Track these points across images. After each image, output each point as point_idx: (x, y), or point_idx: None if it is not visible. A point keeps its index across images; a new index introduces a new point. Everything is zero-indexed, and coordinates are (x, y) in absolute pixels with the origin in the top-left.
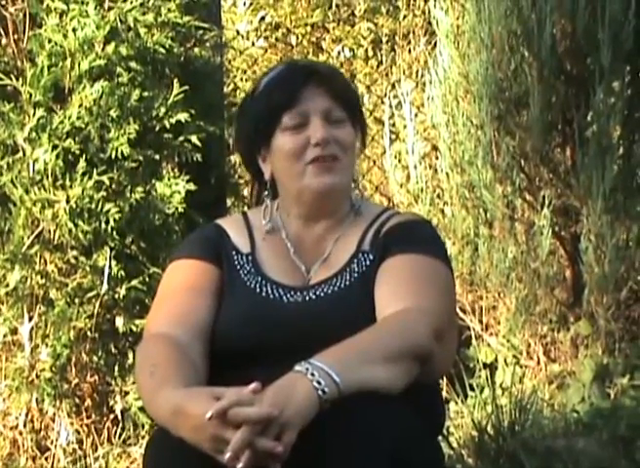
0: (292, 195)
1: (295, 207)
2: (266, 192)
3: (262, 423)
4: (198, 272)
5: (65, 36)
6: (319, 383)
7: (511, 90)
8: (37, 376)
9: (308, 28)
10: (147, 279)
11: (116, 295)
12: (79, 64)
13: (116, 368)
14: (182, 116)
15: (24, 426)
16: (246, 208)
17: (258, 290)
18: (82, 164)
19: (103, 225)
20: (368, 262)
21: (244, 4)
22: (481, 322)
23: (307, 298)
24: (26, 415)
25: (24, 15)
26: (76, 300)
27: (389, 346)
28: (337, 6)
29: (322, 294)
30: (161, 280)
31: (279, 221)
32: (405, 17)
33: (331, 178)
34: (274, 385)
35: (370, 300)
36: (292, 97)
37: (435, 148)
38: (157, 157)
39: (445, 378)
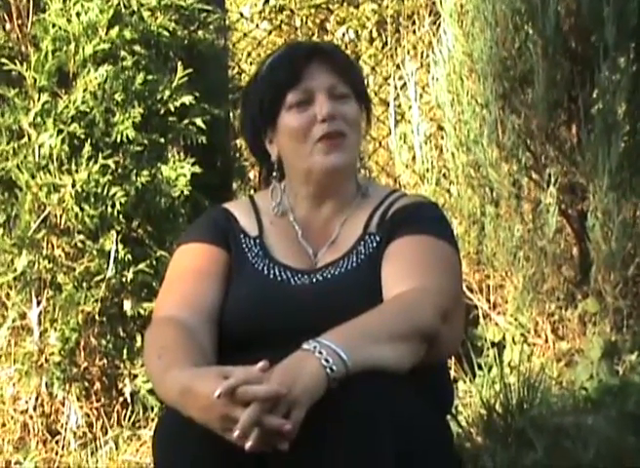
0: (300, 174)
1: (303, 187)
2: (274, 174)
3: (271, 401)
4: (206, 256)
5: (69, 21)
6: (327, 361)
7: (516, 68)
8: (46, 360)
9: (312, 10)
10: (154, 262)
11: (123, 279)
12: (83, 49)
13: (125, 351)
14: (187, 99)
15: (34, 410)
16: (252, 191)
17: (265, 272)
18: (87, 148)
19: (110, 209)
20: (375, 244)
21: None
22: (488, 301)
23: (315, 280)
24: (36, 399)
25: (28, 0)
26: (84, 284)
27: (396, 326)
28: None
29: (329, 276)
30: (169, 263)
31: (287, 204)
32: None
33: (339, 156)
34: (282, 363)
35: (377, 281)
36: (295, 76)
37: (440, 128)
38: (162, 140)
39: (453, 358)
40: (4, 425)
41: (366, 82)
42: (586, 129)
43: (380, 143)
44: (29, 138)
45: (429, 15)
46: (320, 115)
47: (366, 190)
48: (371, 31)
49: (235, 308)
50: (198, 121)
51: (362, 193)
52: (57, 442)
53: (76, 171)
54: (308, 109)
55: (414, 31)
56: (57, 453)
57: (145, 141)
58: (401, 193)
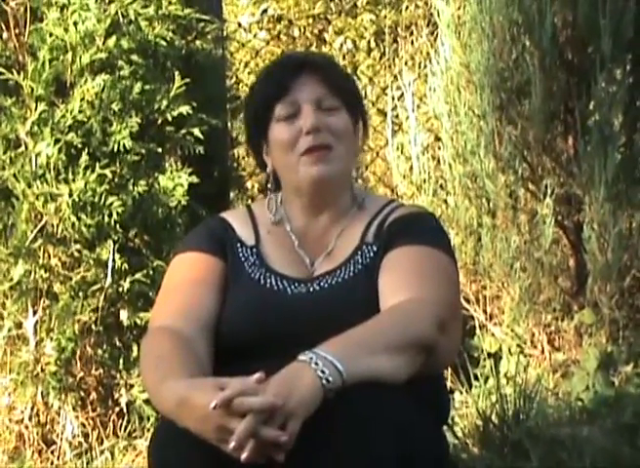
0: (291, 186)
1: (296, 198)
2: (270, 185)
3: (267, 413)
4: (203, 265)
5: (67, 30)
6: (323, 372)
7: (513, 79)
8: (42, 370)
9: (310, 20)
10: (151, 272)
11: (120, 289)
12: (80, 58)
13: (121, 361)
14: (184, 109)
15: (30, 420)
16: (249, 200)
17: (262, 281)
18: (84, 157)
19: (106, 219)
20: (372, 254)
21: None
22: (485, 311)
23: (311, 290)
24: (32, 409)
25: (25, 9)
26: (80, 294)
27: (393, 336)
28: None
29: (326, 286)
30: (165, 273)
31: (283, 214)
32: (407, 8)
33: (324, 168)
34: (278, 375)
35: (374, 291)
36: (283, 88)
37: (438, 139)
38: (159, 150)
39: (449, 368)
40: None
41: (363, 92)
42: (583, 140)
43: (378, 154)
44: (26, 148)
45: (427, 26)
46: (305, 127)
47: (362, 201)
48: (369, 42)
49: (231, 318)
50: (195, 131)
51: (358, 204)
52: (52, 452)
53: (73, 180)
54: (296, 121)
55: (411, 42)
56: (52, 463)
57: (143, 151)
58: (398, 203)
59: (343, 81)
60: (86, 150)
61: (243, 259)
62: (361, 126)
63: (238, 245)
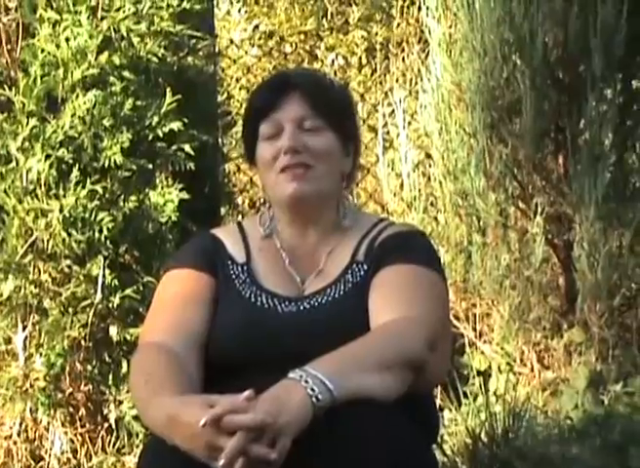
0: (274, 202)
1: (282, 214)
2: (263, 200)
3: (256, 430)
4: (193, 282)
5: (58, 46)
6: (313, 390)
7: (504, 98)
8: (31, 386)
9: (302, 36)
10: (141, 288)
11: (110, 304)
12: (72, 74)
13: (110, 377)
14: (176, 125)
15: (19, 435)
16: (240, 216)
17: (253, 299)
18: (75, 173)
19: (97, 234)
20: (362, 273)
21: (238, 12)
22: (475, 329)
23: (302, 308)
24: (20, 425)
25: (17, 25)
26: (70, 309)
27: (383, 354)
28: (331, 14)
29: (316, 304)
30: (155, 289)
31: (273, 230)
32: (399, 25)
33: (300, 185)
34: (268, 392)
35: (364, 310)
36: (267, 106)
37: (428, 156)
38: (150, 166)
39: (439, 386)
40: None
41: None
42: (573, 159)
43: (369, 170)
44: (17, 163)
45: (418, 42)
46: (282, 148)
47: (352, 219)
48: (360, 58)
49: (221, 335)
50: (187, 147)
51: (347, 222)
52: (41, 467)
53: (64, 196)
54: (277, 141)
55: (402, 59)
56: None
57: (134, 167)
58: (389, 222)
59: (332, 100)
60: (77, 166)
61: (234, 277)
62: (354, 145)
63: (229, 262)
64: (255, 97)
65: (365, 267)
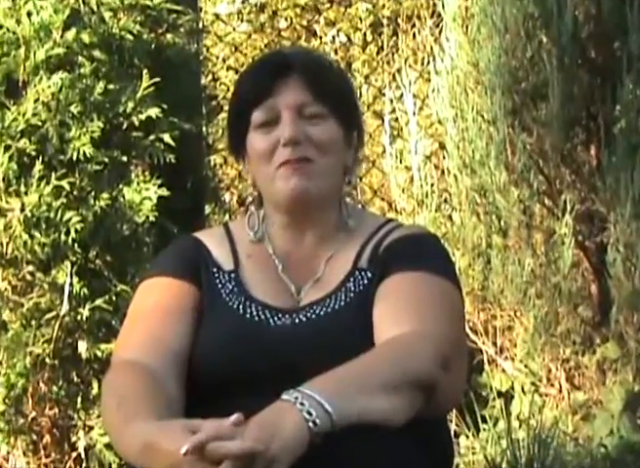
0: (270, 201)
1: (277, 215)
2: (251, 199)
3: (245, 459)
4: (173, 292)
5: (19, 22)
6: (310, 414)
7: (528, 80)
8: None
9: (298, 10)
10: (114, 298)
11: (78, 317)
12: (35, 54)
13: (79, 399)
14: (153, 112)
15: None
16: (227, 216)
17: (241, 311)
18: (39, 167)
19: (63, 237)
20: (366, 281)
21: None
22: (495, 344)
23: (297, 321)
24: None
25: None
26: (33, 322)
27: (390, 374)
28: None
29: (313, 317)
30: (131, 300)
31: (265, 233)
32: None
33: (303, 182)
34: (259, 416)
35: (368, 323)
36: (261, 91)
37: (442, 147)
38: (125, 158)
39: (454, 409)
40: None
41: (358, 93)
42: (607, 150)
43: (374, 163)
44: None
45: (431, 16)
46: (282, 138)
47: (355, 220)
48: (364, 34)
49: (206, 352)
50: (166, 137)
51: (351, 223)
52: None
53: (25, 193)
54: (274, 130)
55: (413, 35)
56: None
57: (105, 160)
58: (396, 223)
59: (334, 84)
60: (40, 159)
61: (220, 286)
62: (356, 135)
63: (214, 269)
64: (245, 81)
65: (369, 275)
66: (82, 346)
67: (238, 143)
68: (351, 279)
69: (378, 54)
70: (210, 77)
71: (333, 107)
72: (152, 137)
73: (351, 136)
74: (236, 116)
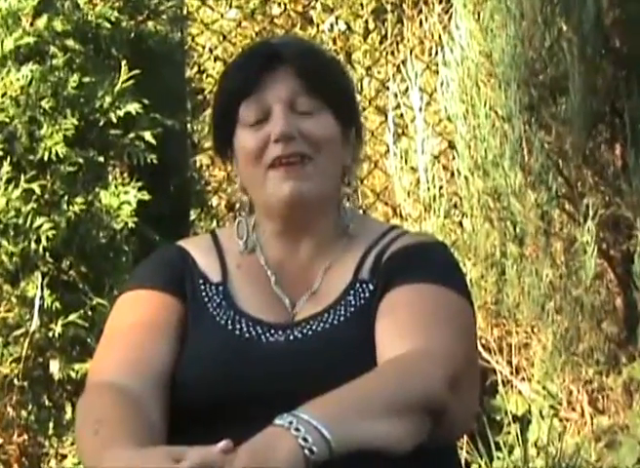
0: (260, 207)
1: (268, 222)
2: (239, 204)
3: None
4: (155, 306)
5: None
6: (305, 440)
7: (546, 72)
8: None
9: None
10: (89, 312)
11: (50, 333)
12: (2, 43)
13: (51, 424)
14: (133, 107)
15: None
16: (215, 222)
17: (230, 327)
18: (6, 168)
19: (34, 245)
20: (367, 294)
21: None
22: (510, 364)
23: (292, 337)
24: None
25: None
26: (0, 340)
27: (394, 396)
28: None
29: (310, 333)
30: (108, 315)
31: (256, 242)
32: None
33: (298, 184)
34: (250, 443)
35: (369, 340)
36: (249, 84)
37: (451, 146)
38: (101, 159)
39: (465, 435)
40: None
41: (359, 86)
42: (633, 149)
43: (376, 164)
44: None
45: (440, 1)
46: (273, 134)
47: (356, 226)
48: (366, 22)
49: (192, 372)
50: (147, 135)
51: (350, 230)
52: None
53: None
54: (264, 126)
55: (420, 23)
56: None
57: (80, 160)
58: (401, 231)
59: (328, 74)
60: (8, 159)
61: (206, 299)
62: (354, 131)
63: (201, 281)
64: (230, 74)
65: (371, 287)
66: (54, 366)
67: (224, 143)
68: (351, 291)
69: (381, 43)
70: (195, 69)
71: (328, 100)
72: (132, 136)
73: (349, 132)
74: (222, 113)
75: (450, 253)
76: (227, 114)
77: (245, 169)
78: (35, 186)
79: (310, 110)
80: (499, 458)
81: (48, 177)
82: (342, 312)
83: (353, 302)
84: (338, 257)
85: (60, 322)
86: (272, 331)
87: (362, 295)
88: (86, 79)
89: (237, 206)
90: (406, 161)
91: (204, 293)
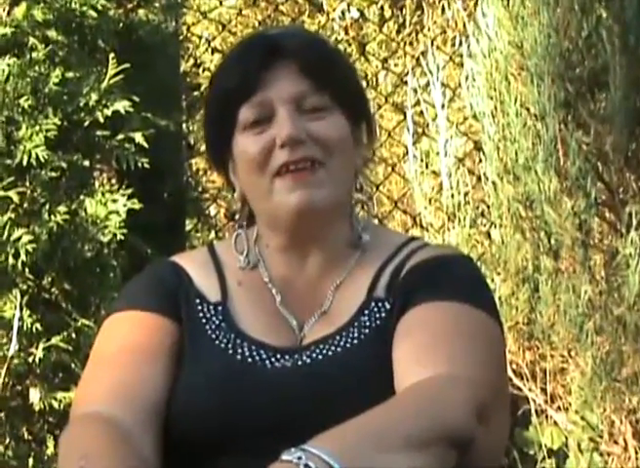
0: (264, 219)
1: (272, 235)
2: (238, 216)
3: None
4: (147, 328)
5: None
6: None
7: (583, 65)
8: None
9: None
10: (74, 335)
11: (30, 358)
12: None
13: (30, 460)
14: (122, 105)
15: None
16: (213, 233)
17: (231, 351)
18: None
19: (11, 260)
20: (383, 314)
21: None
22: (544, 391)
23: (300, 363)
24: None
25: None
26: None
27: (414, 427)
28: None
29: (320, 357)
30: (94, 337)
31: (258, 257)
32: None
33: (308, 193)
34: None
35: (386, 365)
36: (247, 84)
37: (477, 148)
38: (87, 163)
39: None
40: None
41: (373, 81)
42: None
43: (394, 168)
44: None
45: None
46: (279, 138)
47: (369, 238)
48: (382, 9)
49: (189, 401)
50: (137, 136)
51: (363, 243)
52: None
53: None
54: (267, 129)
55: (442, 9)
56: None
57: (63, 165)
58: (421, 242)
59: (335, 68)
60: None
61: (204, 321)
62: (364, 129)
63: (197, 301)
64: (226, 72)
65: (387, 306)
66: (34, 395)
67: (221, 149)
68: (366, 311)
69: (398, 33)
70: (191, 62)
71: (337, 97)
72: (120, 137)
73: (360, 130)
74: (217, 115)
75: (475, 268)
76: (224, 118)
77: (247, 177)
78: (13, 194)
79: (319, 109)
80: None
81: (27, 184)
82: (356, 334)
83: (368, 323)
84: (350, 273)
85: (40, 345)
86: (278, 356)
87: (377, 316)
88: (69, 74)
89: (237, 216)
90: (427, 165)
91: (201, 314)
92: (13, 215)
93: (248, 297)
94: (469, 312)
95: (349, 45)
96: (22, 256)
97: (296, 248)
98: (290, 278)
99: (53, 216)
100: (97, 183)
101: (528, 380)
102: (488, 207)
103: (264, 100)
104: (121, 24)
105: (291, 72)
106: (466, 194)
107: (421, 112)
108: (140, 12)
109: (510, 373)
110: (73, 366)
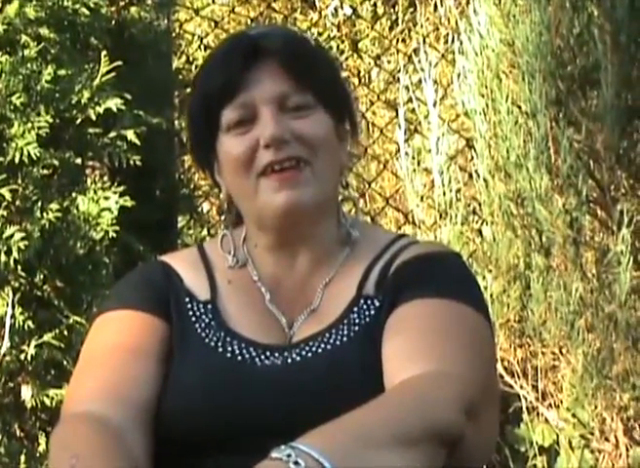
0: (251, 219)
1: (260, 235)
2: (224, 216)
3: None
4: (137, 327)
5: None
6: None
7: (575, 63)
8: None
9: None
10: (66, 332)
11: (22, 356)
12: None
13: (22, 457)
14: (114, 103)
15: None
16: (205, 230)
17: (220, 349)
18: None
19: (3, 257)
20: (373, 311)
21: None
22: (536, 389)
23: (289, 360)
24: None
25: None
26: None
27: (403, 424)
28: None
29: (309, 355)
30: (86, 335)
31: (247, 256)
32: None
33: (294, 193)
34: None
35: (376, 362)
36: (230, 85)
37: (469, 145)
38: (79, 161)
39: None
40: None
41: (366, 78)
42: None
43: (385, 165)
44: None
45: None
46: (262, 138)
47: (358, 235)
48: (374, 5)
49: (179, 400)
50: (130, 133)
51: (352, 240)
52: None
53: None
54: (251, 130)
55: (434, 7)
56: None
57: (55, 162)
58: (410, 240)
59: (317, 66)
60: None
61: (194, 319)
62: (348, 127)
63: (187, 299)
64: (208, 73)
65: (376, 303)
66: (26, 392)
67: (205, 150)
68: (355, 309)
69: (390, 30)
70: (184, 59)
71: (319, 95)
72: (113, 135)
73: (343, 126)
74: (201, 117)
75: (465, 264)
76: (208, 120)
77: (232, 178)
78: (5, 191)
79: (302, 107)
80: None
81: (19, 182)
82: (345, 332)
83: (357, 321)
84: (339, 271)
85: (32, 343)
86: (267, 354)
87: (367, 313)
88: (61, 72)
89: (222, 217)
90: (419, 162)
91: (191, 313)
92: (5, 213)
93: (237, 296)
94: (458, 309)
95: (342, 42)
96: (14, 254)
97: (284, 247)
98: (279, 276)
99: (45, 214)
100: (89, 181)
101: (519, 378)
102: (479, 204)
103: (247, 101)
104: (113, 22)
105: (273, 72)
106: (458, 191)
107: (413, 109)
108: (133, 9)
109: (502, 371)
110: (65, 363)
